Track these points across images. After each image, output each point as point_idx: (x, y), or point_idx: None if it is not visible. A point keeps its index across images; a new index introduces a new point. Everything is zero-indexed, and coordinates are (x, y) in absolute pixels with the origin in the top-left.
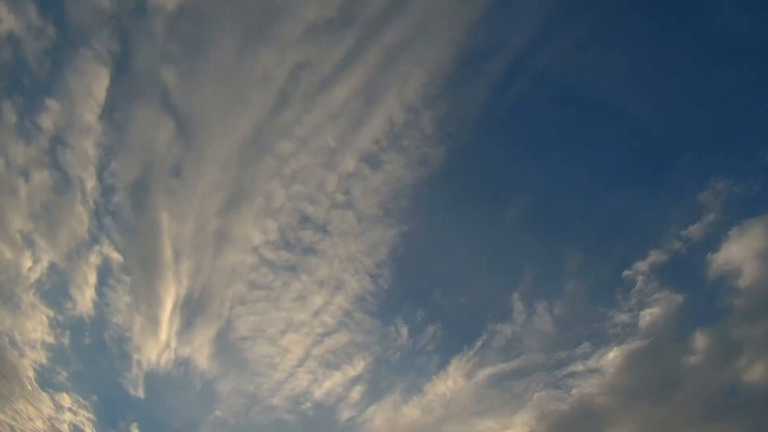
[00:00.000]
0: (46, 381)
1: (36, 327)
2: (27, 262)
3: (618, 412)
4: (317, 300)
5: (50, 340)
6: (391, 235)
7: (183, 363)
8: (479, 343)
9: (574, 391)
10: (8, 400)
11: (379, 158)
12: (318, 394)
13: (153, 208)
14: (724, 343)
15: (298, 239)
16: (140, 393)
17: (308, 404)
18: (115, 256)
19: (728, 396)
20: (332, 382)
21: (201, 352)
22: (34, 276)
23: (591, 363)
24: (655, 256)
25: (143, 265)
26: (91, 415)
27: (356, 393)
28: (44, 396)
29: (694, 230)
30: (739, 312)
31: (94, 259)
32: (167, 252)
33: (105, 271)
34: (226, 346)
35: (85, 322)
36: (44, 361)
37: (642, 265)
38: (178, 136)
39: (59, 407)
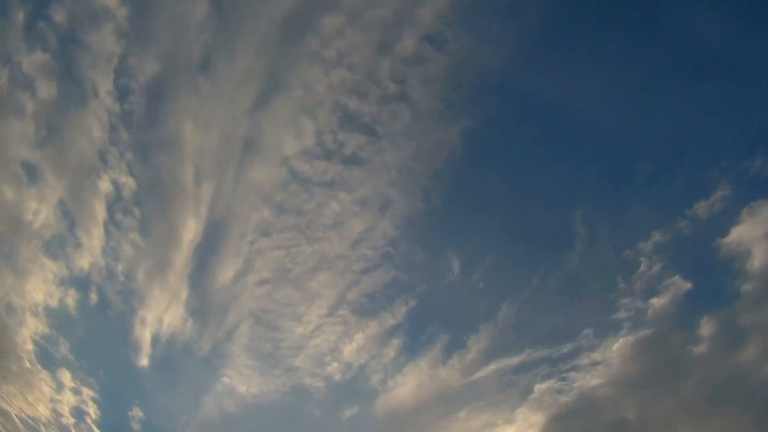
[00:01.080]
0: (47, 356)
1: (37, 287)
2: (31, 204)
3: (620, 402)
4: (357, 225)
5: (53, 302)
6: (451, 135)
7: (194, 317)
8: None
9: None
10: (3, 380)
11: (444, 37)
12: (348, 351)
13: (174, 113)
14: (730, 330)
15: (339, 144)
16: (146, 361)
17: (334, 365)
18: (127, 181)
19: (734, 385)
20: (365, 335)
21: (214, 302)
22: (38, 221)
23: (594, 349)
24: (659, 237)
25: (158, 190)
26: (94, 393)
27: (391, 349)
28: (45, 375)
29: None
30: (747, 297)
31: (104, 186)
32: (187, 171)
33: (115, 204)
34: (242, 293)
35: (92, 278)
36: (46, 329)
37: (646, 246)
38: (210, 16)
39: (60, 386)
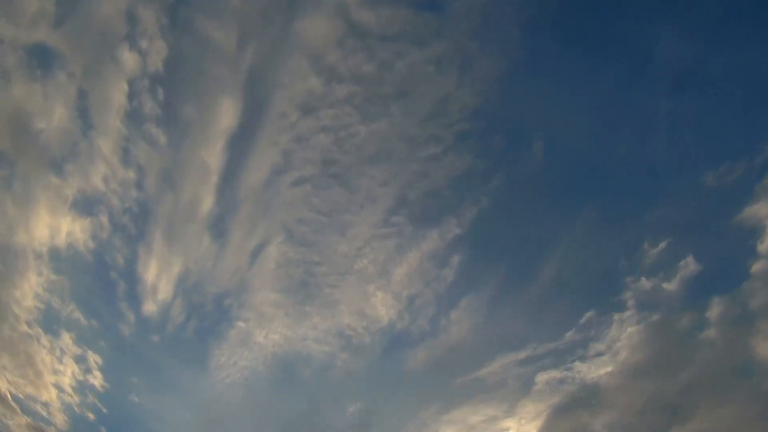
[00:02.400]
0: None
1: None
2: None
3: (622, 391)
4: (430, 93)
5: (60, 240)
6: None
7: (215, 239)
8: None
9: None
10: None
11: None
12: (399, 275)
13: None
14: (739, 314)
15: None
16: (153, 308)
17: (379, 296)
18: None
19: (742, 371)
20: (421, 252)
21: (238, 216)
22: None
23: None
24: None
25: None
26: (100, 359)
27: (451, 271)
28: (46, 339)
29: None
30: (758, 278)
31: (128, 62)
32: (229, 31)
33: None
34: (273, 200)
35: (106, 198)
36: (51, 275)
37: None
38: None
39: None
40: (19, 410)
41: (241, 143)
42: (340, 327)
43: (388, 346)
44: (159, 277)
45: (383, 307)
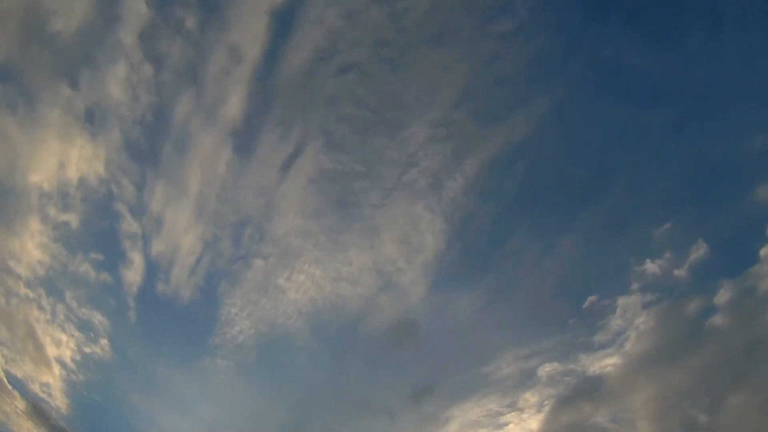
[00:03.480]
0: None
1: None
2: None
3: (627, 381)
4: None
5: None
6: None
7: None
8: None
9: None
10: None
11: None
12: (448, 198)
13: None
14: (749, 298)
15: None
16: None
17: (426, 220)
18: None
19: (751, 357)
20: (475, 163)
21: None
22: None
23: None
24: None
25: None
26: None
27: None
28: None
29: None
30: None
31: None
32: None
33: None
34: (312, 96)
35: (122, 108)
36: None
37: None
38: None
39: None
40: (17, 395)
41: (281, 22)
42: (380, 261)
43: (434, 286)
44: (167, 204)
45: (431, 235)
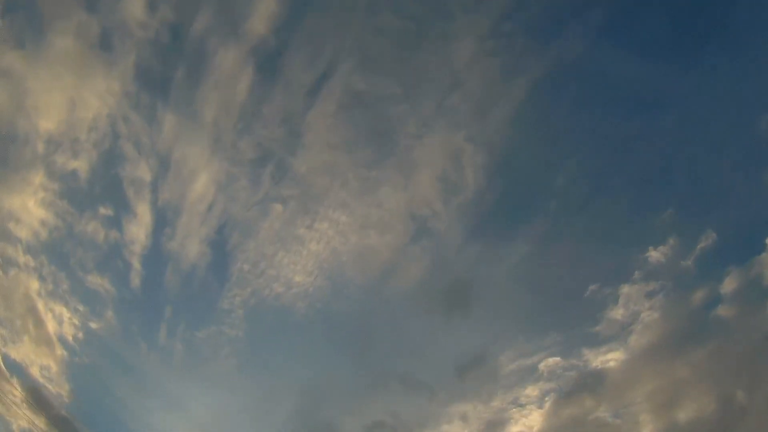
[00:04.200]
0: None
1: None
2: None
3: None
4: None
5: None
6: None
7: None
8: None
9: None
10: None
11: None
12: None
13: None
14: (755, 287)
15: None
16: None
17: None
18: None
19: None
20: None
21: None
22: None
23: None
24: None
25: None
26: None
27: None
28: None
29: None
30: None
31: None
32: None
33: None
34: None
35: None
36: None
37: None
38: None
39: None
40: (16, 382)
41: None
42: (415, 203)
43: (474, 233)
44: (178, 139)
45: (472, 170)
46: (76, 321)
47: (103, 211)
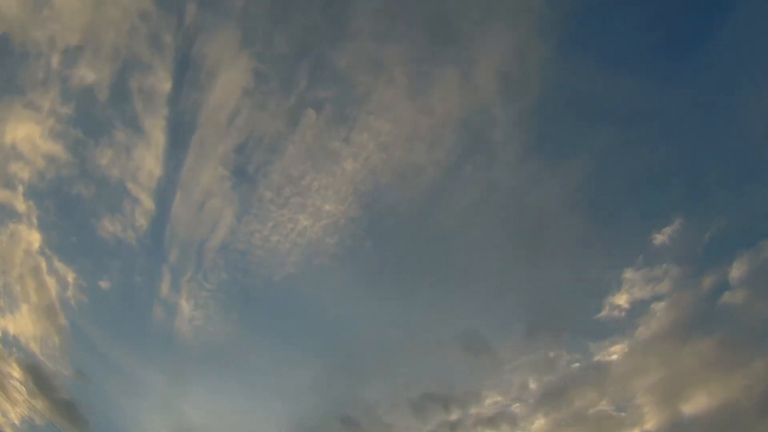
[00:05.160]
0: None
1: None
2: None
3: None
4: None
5: None
6: None
7: None
8: None
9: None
10: None
11: None
12: None
13: None
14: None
15: None
16: None
17: None
18: None
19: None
20: None
21: None
22: None
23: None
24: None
25: None
26: None
27: None
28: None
29: None
30: None
31: None
32: None
33: None
34: None
35: None
36: None
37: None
38: None
39: None
40: (14, 363)
41: None
42: (471, 105)
43: (533, 146)
44: (201, 28)
45: (537, 67)
46: (82, 282)
47: (119, 136)
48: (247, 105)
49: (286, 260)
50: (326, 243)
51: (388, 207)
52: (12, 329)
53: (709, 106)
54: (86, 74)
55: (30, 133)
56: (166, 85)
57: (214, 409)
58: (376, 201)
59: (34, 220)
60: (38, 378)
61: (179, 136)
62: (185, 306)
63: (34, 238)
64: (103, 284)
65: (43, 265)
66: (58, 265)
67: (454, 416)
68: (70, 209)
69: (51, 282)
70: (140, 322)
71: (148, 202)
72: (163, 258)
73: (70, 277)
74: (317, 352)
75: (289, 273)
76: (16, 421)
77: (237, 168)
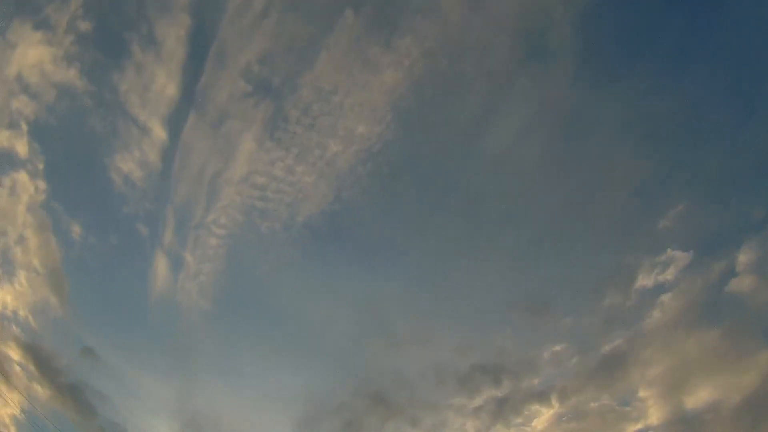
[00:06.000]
0: None
1: None
2: None
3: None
4: None
5: None
6: None
7: None
8: None
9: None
10: None
11: None
12: None
13: None
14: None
15: None
16: None
17: None
18: None
19: None
20: None
21: None
22: None
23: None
24: None
25: None
26: None
27: None
28: None
29: None
30: None
31: None
32: None
33: None
34: None
35: None
36: None
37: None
38: None
39: None
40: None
41: None
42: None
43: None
44: None
45: None
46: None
47: (136, 52)
48: (277, 5)
49: (312, 196)
50: (358, 173)
51: (431, 126)
52: (10, 302)
53: None
54: None
55: (40, 59)
56: None
57: (226, 388)
58: (417, 120)
59: (40, 167)
60: (40, 360)
61: (198, 46)
62: (190, 259)
63: (37, 188)
64: (113, 239)
65: (48, 220)
66: (64, 219)
67: (503, 390)
68: (79, 150)
69: (54, 242)
70: (141, 285)
71: (159, 131)
72: (169, 197)
73: (76, 232)
74: (343, 313)
75: (315, 213)
76: (15, 411)
77: (261, 81)
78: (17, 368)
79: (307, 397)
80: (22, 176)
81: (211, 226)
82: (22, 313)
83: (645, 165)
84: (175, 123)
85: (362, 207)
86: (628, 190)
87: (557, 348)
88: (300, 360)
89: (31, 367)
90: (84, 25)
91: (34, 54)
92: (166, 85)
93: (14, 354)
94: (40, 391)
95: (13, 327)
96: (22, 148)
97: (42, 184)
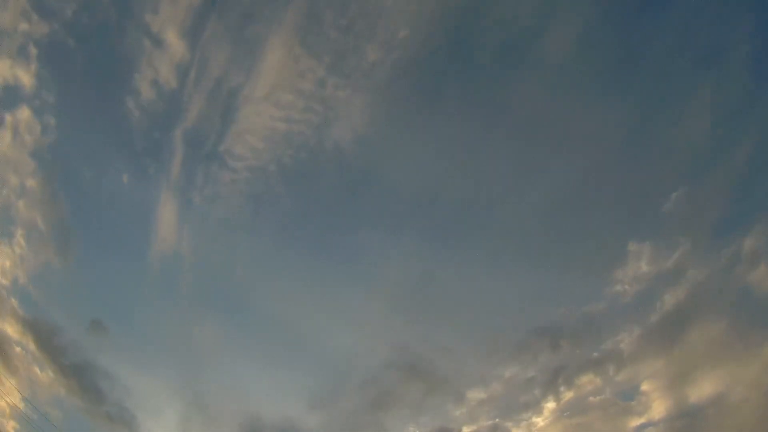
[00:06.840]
0: None
1: None
2: None
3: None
4: None
5: None
6: None
7: None
8: None
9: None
10: None
11: None
12: None
13: None
14: None
15: None
16: None
17: None
18: None
19: None
20: None
21: None
22: None
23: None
24: None
25: None
26: None
27: None
28: None
29: None
30: None
31: None
32: None
33: None
34: None
35: None
36: None
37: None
38: None
39: None
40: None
41: None
42: None
43: None
44: None
45: None
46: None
47: None
48: None
49: (345, 116)
50: (399, 86)
51: (483, 32)
52: (9, 268)
53: None
54: None
55: None
56: None
57: (240, 361)
58: (464, 24)
59: (51, 100)
60: (41, 337)
61: None
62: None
63: (46, 125)
64: (125, 177)
65: (54, 166)
66: (73, 161)
67: (561, 358)
68: (93, 74)
69: (61, 194)
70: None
71: (175, 42)
72: (181, 121)
73: (87, 179)
74: (378, 268)
75: (347, 139)
76: (15, 401)
77: None
78: (17, 349)
79: (332, 368)
80: (25, 113)
81: (225, 158)
82: (21, 280)
83: None
84: (193, 32)
85: (402, 129)
86: None
87: None
88: (332, 323)
89: (32, 346)
90: None
91: None
92: None
93: (13, 332)
94: (41, 375)
95: (12, 300)
96: (28, 79)
97: (52, 120)
